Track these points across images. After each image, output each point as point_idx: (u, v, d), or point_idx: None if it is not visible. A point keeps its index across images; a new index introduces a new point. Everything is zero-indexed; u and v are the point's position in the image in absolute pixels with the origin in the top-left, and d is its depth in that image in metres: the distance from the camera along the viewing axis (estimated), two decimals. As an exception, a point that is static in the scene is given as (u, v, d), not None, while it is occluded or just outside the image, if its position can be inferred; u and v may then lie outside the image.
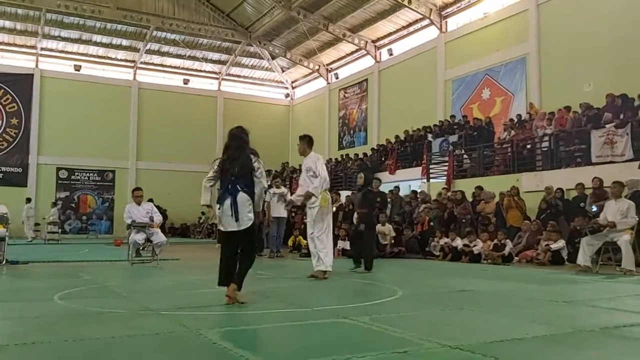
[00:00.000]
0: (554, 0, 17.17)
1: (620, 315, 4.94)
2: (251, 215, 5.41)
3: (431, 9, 21.46)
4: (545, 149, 14.19)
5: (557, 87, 16.65)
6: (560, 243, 10.74)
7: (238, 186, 5.40)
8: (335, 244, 13.75)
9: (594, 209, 10.77)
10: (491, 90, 19.20)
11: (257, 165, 5.49)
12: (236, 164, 5.43)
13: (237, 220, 5.33)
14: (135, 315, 4.88)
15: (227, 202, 5.38)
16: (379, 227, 13.43)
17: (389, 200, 15.22)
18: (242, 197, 5.38)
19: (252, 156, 5.51)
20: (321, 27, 25.41)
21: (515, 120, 16.29)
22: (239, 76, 32.40)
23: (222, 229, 5.51)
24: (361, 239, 9.61)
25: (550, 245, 10.72)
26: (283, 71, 32.15)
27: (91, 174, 28.11)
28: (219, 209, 5.46)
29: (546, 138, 14.16)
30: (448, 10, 21.44)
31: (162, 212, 27.28)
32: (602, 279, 8.18)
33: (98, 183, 28.27)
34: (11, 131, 26.57)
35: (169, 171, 28.62)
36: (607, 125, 12.45)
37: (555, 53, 16.95)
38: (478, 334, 4.02)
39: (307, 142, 8.15)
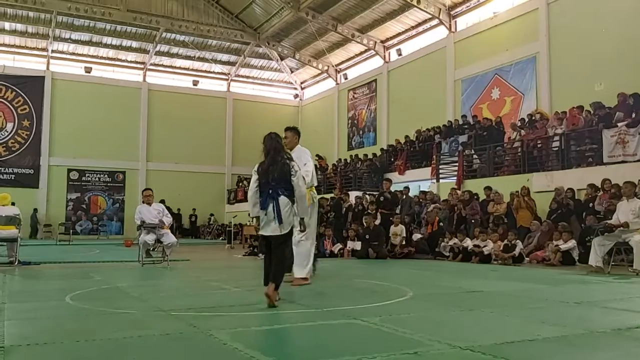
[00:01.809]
0: (564, -2, 17.08)
1: (632, 317, 4.89)
2: (291, 219, 5.58)
3: (440, 9, 21.40)
4: (556, 148, 14.09)
5: (568, 87, 16.54)
6: (571, 243, 10.66)
7: (279, 191, 5.51)
8: (345, 245, 13.83)
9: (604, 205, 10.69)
10: (501, 90, 19.11)
11: (295, 169, 5.63)
12: (275, 168, 5.53)
13: (280, 223, 5.46)
14: (146, 315, 4.91)
15: (270, 207, 5.49)
16: (392, 227, 13.46)
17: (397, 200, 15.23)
18: (283, 200, 5.50)
19: (288, 161, 5.64)
20: (330, 28, 25.42)
21: (526, 120, 16.20)
22: (248, 77, 32.49)
23: (264, 233, 5.57)
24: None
25: (560, 246, 10.65)
26: (292, 72, 32.19)
27: (102, 175, 28.31)
28: (262, 214, 5.53)
29: (557, 138, 14.07)
30: (457, 9, 21.37)
31: (176, 213, 27.86)
32: (614, 279, 8.10)
33: (108, 184, 28.47)
34: (23, 133, 26.82)
35: (179, 172, 28.81)
36: (619, 124, 12.35)
37: (566, 52, 16.85)
38: (489, 335, 4.00)
39: (296, 133, 7.51)
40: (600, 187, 11.45)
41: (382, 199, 14.54)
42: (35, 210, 26.09)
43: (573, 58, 16.53)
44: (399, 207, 15.17)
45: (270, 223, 5.47)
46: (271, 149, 5.62)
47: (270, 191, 5.51)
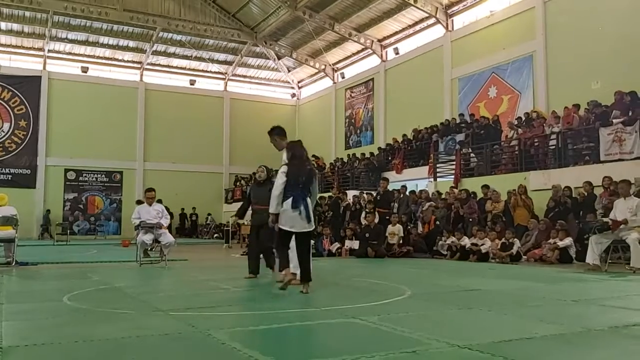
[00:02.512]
0: (561, -3, 17.11)
1: (630, 314, 4.92)
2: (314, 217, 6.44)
3: (437, 8, 21.41)
4: (553, 147, 14.13)
5: (565, 85, 16.57)
6: (568, 240, 10.70)
7: (305, 192, 6.26)
8: (342, 244, 13.83)
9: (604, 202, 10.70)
10: (498, 88, 19.14)
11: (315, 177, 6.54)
12: (304, 173, 6.26)
13: (309, 222, 6.21)
14: (145, 315, 4.91)
15: (302, 207, 6.15)
16: (389, 227, 13.47)
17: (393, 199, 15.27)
18: (308, 202, 6.25)
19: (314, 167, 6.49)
20: (327, 27, 25.42)
21: (523, 118, 16.23)
22: (245, 76, 32.47)
23: (294, 230, 6.18)
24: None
25: (558, 242, 10.67)
26: (289, 71, 32.18)
27: (99, 175, 28.28)
28: (293, 212, 6.11)
29: (554, 136, 14.10)
30: (454, 8, 21.38)
31: (180, 213, 27.98)
32: (611, 277, 8.13)
33: (106, 184, 28.43)
34: (20, 133, 26.75)
35: (176, 172, 28.77)
36: (615, 121, 12.38)
37: (563, 51, 16.88)
38: (487, 334, 4.01)
39: (279, 133, 7.18)
40: (601, 185, 11.43)
41: (379, 197, 14.57)
42: (48, 211, 26.22)
43: (570, 56, 16.56)
44: (397, 206, 15.19)
45: (301, 221, 6.14)
46: (301, 155, 6.36)
47: (300, 192, 6.19)
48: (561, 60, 16.92)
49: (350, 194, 17.67)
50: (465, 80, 20.56)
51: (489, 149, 15.89)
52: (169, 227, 11.01)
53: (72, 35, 27.24)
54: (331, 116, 29.16)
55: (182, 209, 28.99)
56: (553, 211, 12.07)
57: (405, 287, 6.65)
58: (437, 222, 13.82)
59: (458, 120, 18.65)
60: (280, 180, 6.18)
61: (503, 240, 11.51)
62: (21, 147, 26.72)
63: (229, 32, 28.46)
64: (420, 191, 16.15)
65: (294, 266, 6.63)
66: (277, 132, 7.22)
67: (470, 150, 16.68)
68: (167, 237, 10.37)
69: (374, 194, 15.23)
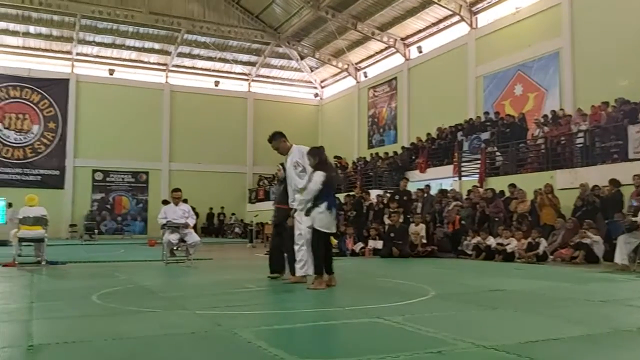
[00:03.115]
0: (588, -7, 16.83)
1: (660, 315, 4.84)
2: None
3: (461, 5, 21.23)
4: (580, 145, 13.90)
5: (592, 82, 16.29)
6: (597, 237, 10.52)
7: (334, 197, 6.91)
8: (366, 244, 13.82)
9: (634, 203, 10.50)
10: (524, 86, 18.90)
11: None
12: (336, 179, 7.01)
13: (336, 224, 7.05)
14: (172, 314, 4.98)
15: (334, 210, 6.73)
16: (412, 226, 13.42)
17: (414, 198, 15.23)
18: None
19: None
20: (350, 26, 25.39)
21: (549, 116, 16.00)
22: (268, 77, 32.61)
23: (329, 231, 6.68)
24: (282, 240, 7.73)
25: (587, 237, 10.50)
26: (312, 71, 32.22)
27: (125, 176, 28.71)
28: (330, 215, 6.61)
29: (581, 134, 13.88)
30: (478, 6, 21.19)
31: (208, 213, 28.27)
32: (641, 277, 7.98)
33: (132, 184, 28.85)
34: (49, 135, 27.31)
35: (201, 172, 29.07)
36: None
37: (590, 47, 16.59)
38: (513, 334, 3.98)
39: (281, 136, 7.24)
40: (632, 184, 11.21)
41: (396, 197, 14.53)
42: (91, 211, 26.77)
43: (597, 53, 16.27)
44: (421, 205, 15.12)
45: (334, 223, 6.76)
46: (328, 161, 6.87)
47: (333, 198, 6.80)
48: (588, 57, 16.63)
49: (374, 193, 17.63)
50: (490, 78, 20.35)
51: (515, 147, 15.70)
52: (194, 227, 11.14)
53: (99, 38, 27.70)
54: (354, 115, 29.12)
55: (210, 208, 29.30)
56: (580, 210, 11.88)
57: (429, 287, 6.63)
58: (463, 222, 13.70)
59: (483, 119, 18.47)
60: (318, 186, 6.45)
61: (529, 240, 11.36)
62: (50, 148, 27.27)
63: (252, 33, 28.64)
64: (445, 191, 16.00)
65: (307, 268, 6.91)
66: (279, 135, 7.28)
67: (495, 149, 16.50)
68: (192, 237, 10.50)
69: (391, 193, 15.19)
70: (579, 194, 12.14)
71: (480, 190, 14.85)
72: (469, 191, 15.24)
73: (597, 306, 5.39)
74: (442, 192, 15.81)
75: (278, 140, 7.29)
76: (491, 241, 12.07)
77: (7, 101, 26.69)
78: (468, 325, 4.41)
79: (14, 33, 26.53)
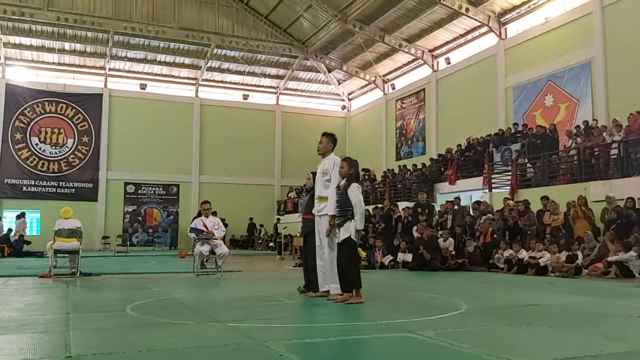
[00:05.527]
0: (620, 2, 16.54)
1: (702, 332, 4.68)
2: None
3: (489, 16, 21.10)
4: (615, 156, 13.61)
5: (625, 92, 15.97)
6: (628, 255, 10.21)
7: None
8: (395, 256, 13.73)
9: None
10: (555, 96, 18.63)
11: None
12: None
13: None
14: (203, 326, 5.03)
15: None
16: (440, 242, 13.28)
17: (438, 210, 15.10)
18: None
19: None
20: (377, 39, 25.46)
21: (582, 127, 15.73)
22: (296, 90, 32.87)
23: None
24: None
25: (614, 258, 10.22)
26: (339, 83, 32.35)
27: (156, 188, 29.16)
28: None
29: (615, 145, 13.59)
30: (507, 16, 21.02)
31: (249, 223, 28.49)
32: (681, 292, 7.75)
33: (163, 197, 29.28)
34: (83, 149, 27.95)
35: (231, 184, 29.38)
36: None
37: (622, 56, 16.30)
38: (548, 350, 3.90)
39: (331, 140, 7.07)
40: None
41: (418, 210, 14.42)
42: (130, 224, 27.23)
43: (630, 62, 15.97)
44: (451, 218, 14.96)
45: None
46: (358, 177, 6.90)
47: None
48: (621, 66, 16.33)
49: (402, 205, 17.53)
50: (520, 89, 20.12)
51: (547, 158, 15.46)
52: (223, 239, 11.24)
53: (131, 53, 28.35)
54: (382, 127, 29.10)
55: (251, 219, 29.44)
56: (615, 223, 11.58)
57: (461, 301, 6.54)
58: (494, 235, 13.48)
59: (513, 130, 18.24)
60: (361, 198, 6.50)
61: (569, 252, 11.08)
62: (84, 161, 27.90)
63: (280, 47, 28.95)
64: (478, 202, 15.75)
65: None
66: (333, 138, 7.11)
67: (526, 160, 16.27)
68: (222, 249, 10.61)
69: (412, 207, 15.12)
70: (608, 207, 11.84)
71: (511, 202, 14.62)
72: (505, 200, 14.97)
73: (636, 322, 5.24)
74: (478, 204, 15.60)
75: (328, 140, 7.07)
76: (523, 254, 11.85)
77: (43, 116, 27.45)
78: (502, 340, 4.34)
79: (50, 50, 27.35)
